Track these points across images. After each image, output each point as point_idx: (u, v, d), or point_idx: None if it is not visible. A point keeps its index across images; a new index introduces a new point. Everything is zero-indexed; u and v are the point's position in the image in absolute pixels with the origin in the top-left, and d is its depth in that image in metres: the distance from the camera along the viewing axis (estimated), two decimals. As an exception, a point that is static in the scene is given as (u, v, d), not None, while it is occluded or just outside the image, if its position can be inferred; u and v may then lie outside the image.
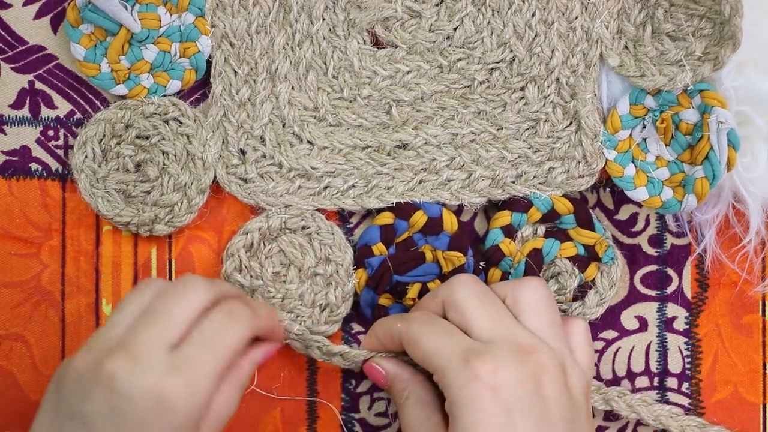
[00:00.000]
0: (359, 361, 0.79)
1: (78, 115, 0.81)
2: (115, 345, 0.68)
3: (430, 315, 0.74)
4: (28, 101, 0.81)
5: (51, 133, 0.81)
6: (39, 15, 0.80)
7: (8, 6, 0.80)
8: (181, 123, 0.80)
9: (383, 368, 0.77)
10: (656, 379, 0.82)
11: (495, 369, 0.68)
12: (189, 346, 0.68)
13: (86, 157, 0.79)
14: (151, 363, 0.66)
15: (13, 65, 0.81)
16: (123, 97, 0.80)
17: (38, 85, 0.81)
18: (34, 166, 0.81)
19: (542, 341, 0.72)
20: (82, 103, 0.81)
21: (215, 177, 0.80)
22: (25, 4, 0.80)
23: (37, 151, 0.81)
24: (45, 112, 0.81)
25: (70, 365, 0.68)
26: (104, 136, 0.79)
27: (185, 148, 0.79)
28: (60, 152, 0.81)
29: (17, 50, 0.81)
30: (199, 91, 0.81)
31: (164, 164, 0.80)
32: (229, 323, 0.70)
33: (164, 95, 0.80)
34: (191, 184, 0.79)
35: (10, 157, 0.81)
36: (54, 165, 0.81)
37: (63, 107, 0.81)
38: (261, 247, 0.80)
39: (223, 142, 0.80)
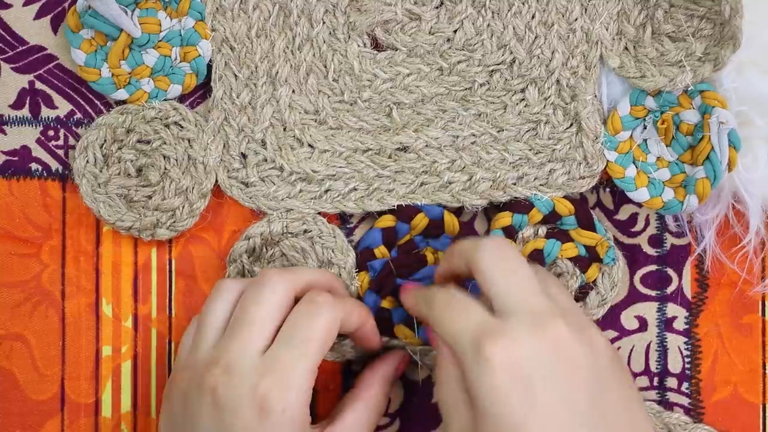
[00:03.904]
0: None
1: (78, 115, 0.81)
2: (210, 360, 0.70)
3: (448, 294, 0.71)
4: (28, 101, 0.81)
5: (51, 133, 0.81)
6: (39, 15, 0.80)
7: (8, 6, 0.80)
8: (182, 127, 0.80)
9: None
10: (656, 379, 0.82)
11: (508, 345, 0.65)
12: (276, 346, 0.70)
13: (87, 162, 0.79)
14: (245, 371, 0.69)
15: (13, 65, 0.81)
16: (124, 102, 0.80)
17: (38, 85, 0.81)
18: (34, 166, 0.81)
19: (559, 306, 0.69)
20: (83, 103, 0.81)
21: (216, 181, 0.80)
22: (25, 4, 0.80)
23: (37, 151, 0.81)
24: (45, 112, 0.81)
25: (173, 384, 0.72)
26: (105, 140, 0.79)
27: (186, 152, 0.79)
28: (60, 152, 0.81)
29: (17, 50, 0.81)
30: (197, 92, 0.81)
31: (165, 168, 0.80)
32: (310, 315, 0.71)
33: (165, 99, 0.80)
34: (192, 188, 0.79)
35: (10, 157, 0.81)
36: (54, 165, 0.81)
37: (63, 107, 0.81)
38: (263, 252, 0.80)
39: (224, 146, 0.80)
